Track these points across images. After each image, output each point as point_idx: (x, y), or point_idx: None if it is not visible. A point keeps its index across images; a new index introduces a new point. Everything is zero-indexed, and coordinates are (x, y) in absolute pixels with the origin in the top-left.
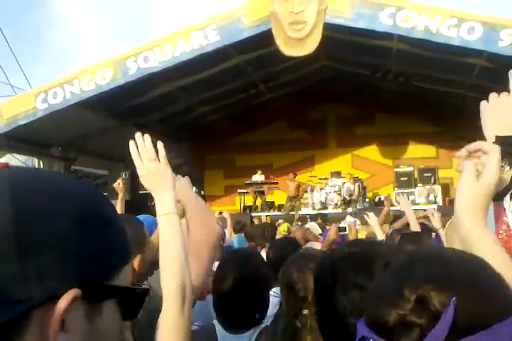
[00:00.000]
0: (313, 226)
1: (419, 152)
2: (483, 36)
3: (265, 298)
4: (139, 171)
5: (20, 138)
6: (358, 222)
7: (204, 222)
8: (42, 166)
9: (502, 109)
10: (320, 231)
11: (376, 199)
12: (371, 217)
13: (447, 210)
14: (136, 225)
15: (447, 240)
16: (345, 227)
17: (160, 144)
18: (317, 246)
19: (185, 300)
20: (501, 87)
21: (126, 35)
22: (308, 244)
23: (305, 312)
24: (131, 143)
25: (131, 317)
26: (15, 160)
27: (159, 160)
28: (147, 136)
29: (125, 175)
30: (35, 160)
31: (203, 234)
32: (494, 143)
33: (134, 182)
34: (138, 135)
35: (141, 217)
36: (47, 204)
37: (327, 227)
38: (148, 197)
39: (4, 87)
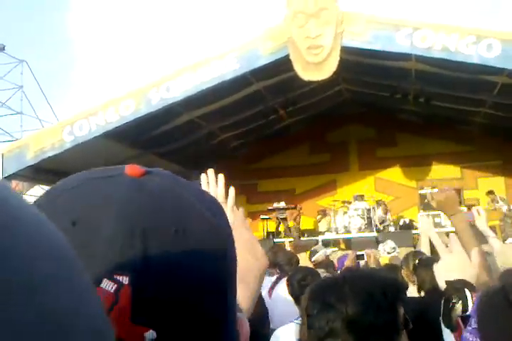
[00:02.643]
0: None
1: (443, 172)
2: (502, 53)
3: None
4: None
5: (47, 170)
6: (397, 249)
7: (252, 251)
8: None
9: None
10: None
11: (401, 223)
12: (423, 223)
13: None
14: None
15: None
16: (363, 255)
17: (232, 192)
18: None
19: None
20: None
21: (150, 65)
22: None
23: None
24: (203, 176)
25: None
26: (43, 191)
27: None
28: (221, 177)
29: None
30: None
31: (250, 262)
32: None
33: None
34: (210, 172)
35: None
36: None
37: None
38: None
39: (33, 120)
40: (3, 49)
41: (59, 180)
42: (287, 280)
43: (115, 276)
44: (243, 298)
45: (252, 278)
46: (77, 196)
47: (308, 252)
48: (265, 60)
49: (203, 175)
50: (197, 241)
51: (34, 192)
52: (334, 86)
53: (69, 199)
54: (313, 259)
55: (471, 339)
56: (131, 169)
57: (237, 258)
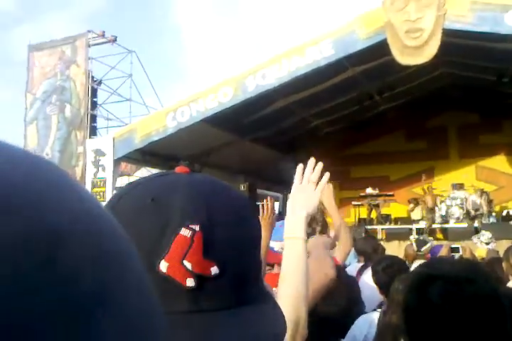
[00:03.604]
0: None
1: None
2: None
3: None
4: (293, 188)
5: (153, 153)
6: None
7: (320, 264)
8: None
9: (304, 193)
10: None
11: (504, 214)
12: None
13: None
14: None
15: None
16: (458, 248)
17: (327, 174)
18: None
19: (298, 334)
20: None
21: (245, 53)
22: (416, 262)
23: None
24: (300, 166)
25: None
26: (148, 173)
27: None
28: (320, 164)
29: (243, 187)
30: None
31: (315, 276)
32: None
33: (250, 193)
34: (312, 160)
35: None
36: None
37: (427, 244)
38: None
39: (140, 107)
40: (115, 40)
41: (164, 163)
42: (372, 268)
43: (190, 225)
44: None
45: (313, 292)
46: (151, 183)
47: (411, 241)
48: (361, 45)
49: (299, 165)
50: (239, 212)
51: (141, 174)
52: (434, 70)
53: (146, 186)
54: (422, 249)
55: None
56: (181, 169)
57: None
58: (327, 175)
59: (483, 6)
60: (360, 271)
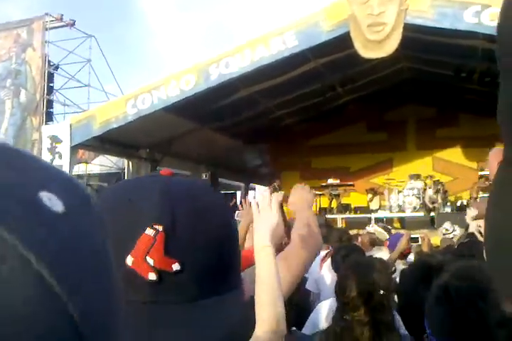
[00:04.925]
0: (379, 231)
1: None
2: None
3: None
4: (254, 219)
5: (112, 141)
6: (457, 230)
7: (307, 229)
8: (131, 167)
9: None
10: (387, 236)
11: (458, 204)
12: (469, 213)
13: None
14: None
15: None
16: (417, 238)
17: (279, 194)
18: (384, 252)
19: (277, 333)
20: None
21: (209, 41)
22: (375, 250)
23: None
24: (253, 202)
25: None
26: (107, 161)
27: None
28: (266, 189)
29: (205, 176)
30: (125, 161)
31: (300, 242)
32: None
33: (212, 182)
34: (259, 188)
35: None
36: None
37: (393, 232)
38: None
39: (99, 93)
40: (74, 24)
41: (123, 151)
42: (332, 256)
43: (154, 226)
44: (282, 274)
45: (297, 259)
46: (131, 184)
47: (369, 231)
48: (325, 37)
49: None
50: (206, 215)
51: (99, 161)
52: (395, 64)
53: (126, 186)
54: (368, 229)
55: None
56: (165, 171)
57: (293, 237)
58: (277, 195)
59: (443, 2)
60: (324, 259)
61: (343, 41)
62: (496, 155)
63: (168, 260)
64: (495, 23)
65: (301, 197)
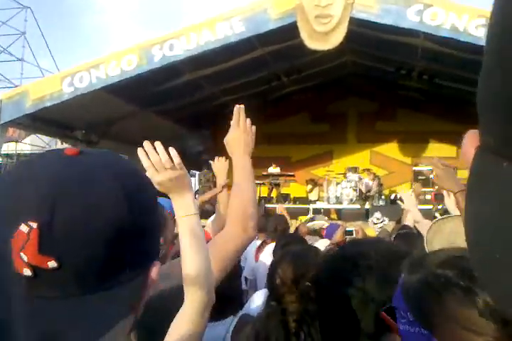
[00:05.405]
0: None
1: (439, 151)
2: None
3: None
4: (155, 179)
5: (45, 120)
6: (386, 221)
7: (243, 222)
8: None
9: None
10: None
11: (392, 197)
12: (406, 199)
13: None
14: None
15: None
16: (351, 231)
17: (174, 152)
18: (320, 242)
19: (208, 307)
20: None
21: (154, 23)
22: (313, 239)
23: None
24: (139, 151)
25: None
26: (39, 140)
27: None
28: (158, 144)
29: None
30: (59, 142)
31: (233, 232)
32: None
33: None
34: (146, 143)
35: (160, 200)
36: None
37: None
38: None
39: (33, 69)
40: None
41: (57, 131)
42: (275, 245)
43: (29, 222)
44: (213, 259)
45: (231, 246)
46: (26, 165)
47: (303, 218)
48: (272, 25)
49: (141, 150)
50: (102, 206)
51: (30, 140)
52: (340, 57)
53: (21, 167)
54: (308, 224)
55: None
56: (70, 150)
57: (226, 225)
58: (174, 152)
59: None
60: (260, 248)
61: (291, 30)
62: (471, 139)
63: (42, 257)
64: (436, 23)
65: (239, 138)
